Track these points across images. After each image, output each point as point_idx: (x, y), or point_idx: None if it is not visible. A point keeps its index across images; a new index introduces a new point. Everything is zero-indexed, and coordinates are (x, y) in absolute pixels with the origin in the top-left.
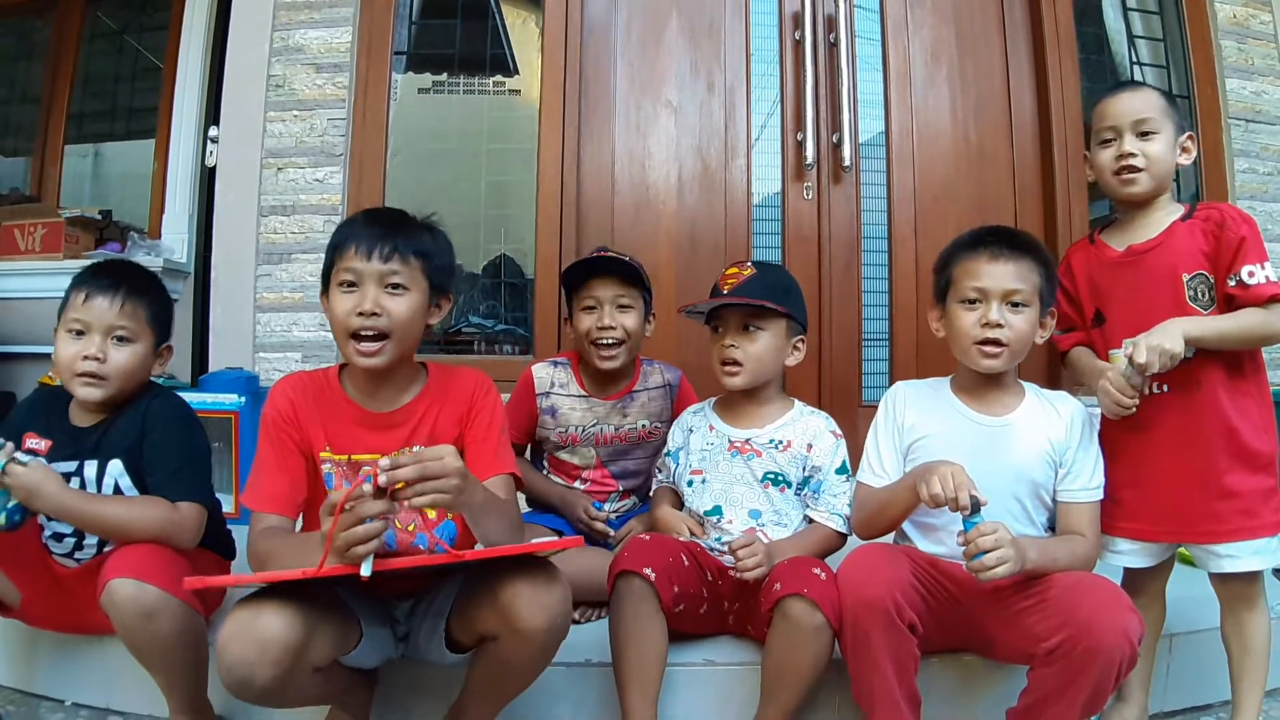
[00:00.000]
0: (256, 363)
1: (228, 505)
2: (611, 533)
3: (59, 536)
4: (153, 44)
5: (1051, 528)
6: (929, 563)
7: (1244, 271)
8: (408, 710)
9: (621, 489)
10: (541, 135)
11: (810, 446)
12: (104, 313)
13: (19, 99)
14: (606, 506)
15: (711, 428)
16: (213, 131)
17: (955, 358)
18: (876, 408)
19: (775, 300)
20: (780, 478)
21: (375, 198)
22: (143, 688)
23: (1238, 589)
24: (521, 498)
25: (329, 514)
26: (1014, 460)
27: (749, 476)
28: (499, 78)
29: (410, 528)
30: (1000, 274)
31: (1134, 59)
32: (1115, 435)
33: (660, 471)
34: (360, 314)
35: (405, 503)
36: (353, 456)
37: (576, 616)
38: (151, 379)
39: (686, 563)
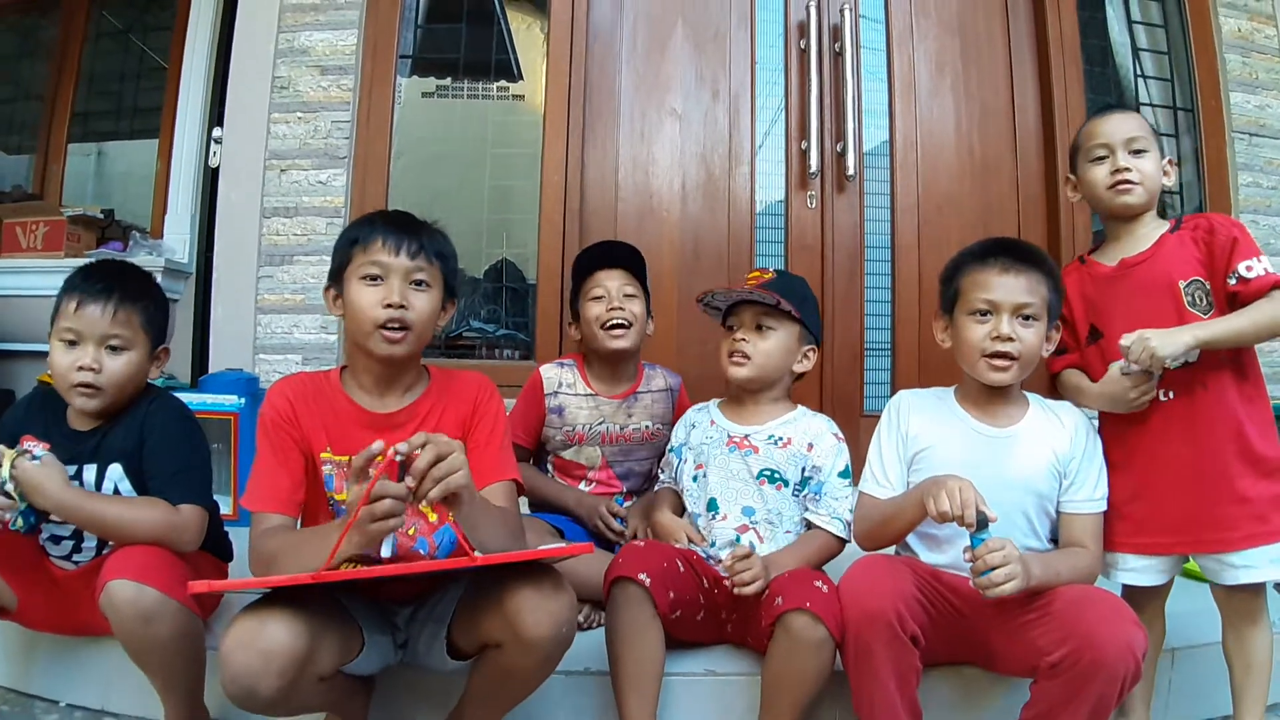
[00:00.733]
0: (257, 364)
1: (226, 507)
2: (627, 535)
3: (57, 539)
4: (157, 43)
5: (1054, 540)
6: (931, 574)
7: (1242, 267)
8: (406, 717)
9: (626, 489)
10: (545, 141)
11: (811, 446)
12: (96, 322)
13: (23, 96)
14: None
15: (713, 422)
16: (216, 132)
17: (959, 369)
18: (878, 418)
19: (791, 305)
20: (776, 475)
21: (379, 200)
22: (138, 690)
23: (1242, 603)
24: (522, 502)
25: (356, 481)
26: (1019, 471)
27: (744, 473)
28: (503, 83)
29: (411, 531)
30: (1012, 287)
31: (1139, 72)
32: (1119, 448)
33: (664, 470)
34: (388, 305)
35: (417, 498)
36: (354, 458)
37: (581, 619)
38: (150, 382)
39: (682, 569)
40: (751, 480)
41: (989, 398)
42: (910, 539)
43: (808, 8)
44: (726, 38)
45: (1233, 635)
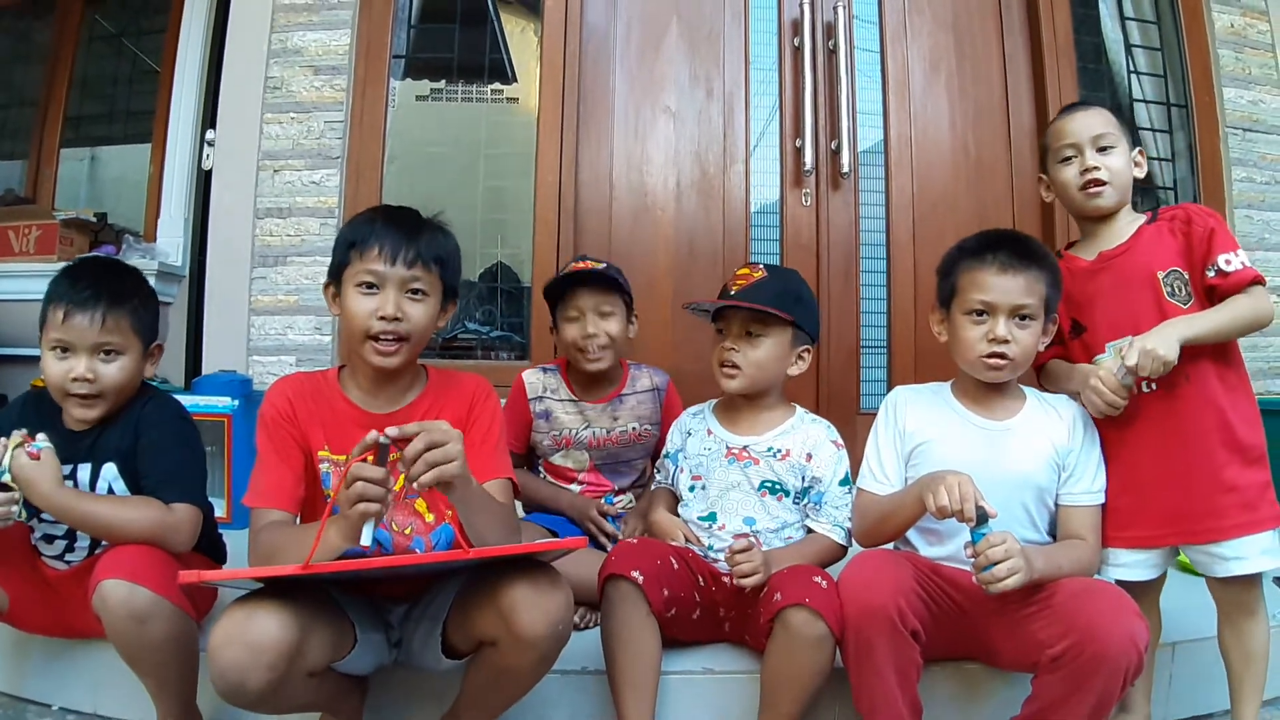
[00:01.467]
0: (250, 366)
1: (219, 509)
2: (620, 537)
3: (49, 539)
4: (150, 47)
5: (1052, 533)
6: (931, 569)
7: (1221, 260)
8: (400, 717)
9: (616, 488)
10: (540, 141)
11: (810, 456)
12: (86, 332)
13: (16, 101)
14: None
15: (710, 432)
16: (209, 135)
17: (954, 365)
18: (874, 416)
19: (784, 307)
20: (778, 486)
21: (372, 201)
22: (130, 692)
23: (1237, 596)
24: (517, 505)
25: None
26: (1018, 465)
27: (746, 484)
28: (497, 85)
29: (408, 530)
30: (1009, 288)
31: (1132, 68)
32: (1105, 442)
33: (659, 472)
34: (382, 318)
35: (409, 481)
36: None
37: (577, 620)
38: (145, 381)
39: (676, 566)
40: (753, 492)
41: (986, 392)
42: (910, 533)
43: (801, 6)
44: (720, 36)
45: (1229, 628)
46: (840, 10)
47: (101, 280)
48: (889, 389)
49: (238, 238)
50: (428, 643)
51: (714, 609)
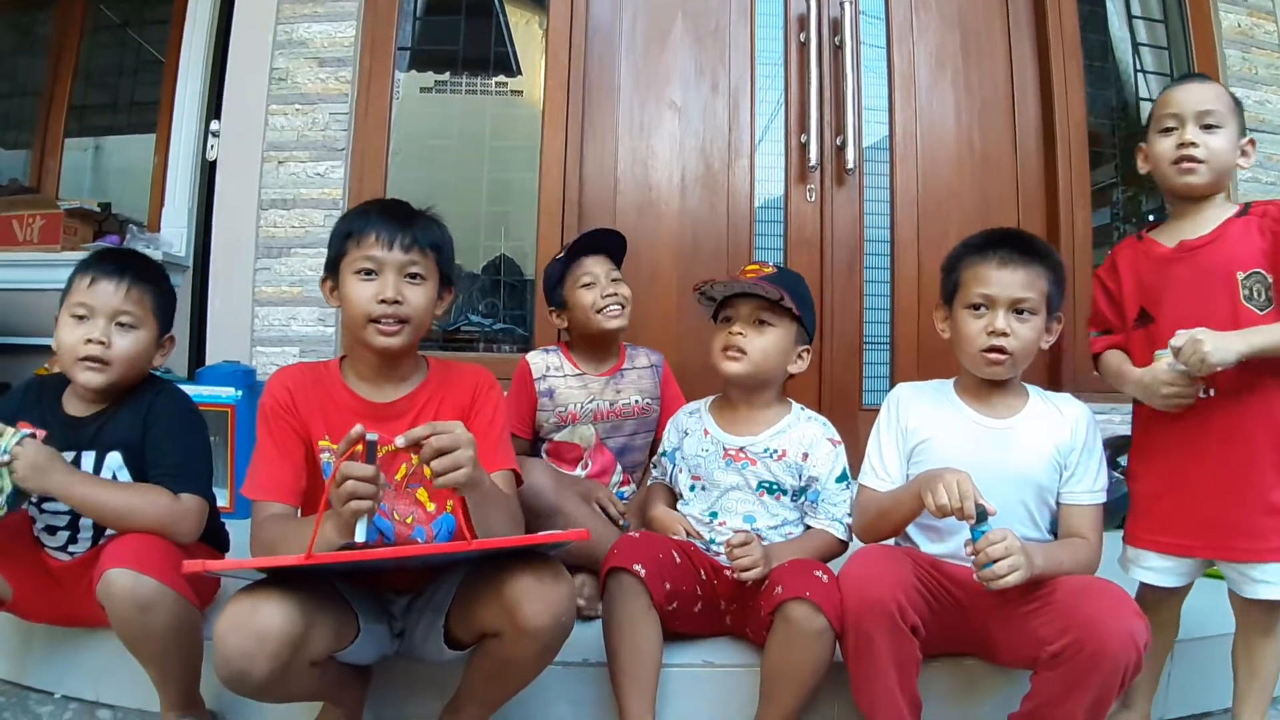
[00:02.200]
0: (254, 356)
1: (222, 499)
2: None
3: (52, 529)
4: (155, 37)
5: (1053, 531)
6: (931, 565)
7: None
8: (402, 708)
9: (622, 468)
10: (544, 134)
11: (806, 455)
12: (109, 297)
13: (20, 91)
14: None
15: (706, 432)
16: (214, 126)
17: (957, 362)
18: (876, 412)
19: (794, 303)
20: (775, 486)
21: (376, 193)
22: (133, 681)
23: (1258, 616)
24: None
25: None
26: (1019, 463)
27: (744, 485)
28: (501, 78)
29: (409, 520)
30: (1008, 281)
31: (1138, 67)
32: (1152, 444)
33: (656, 468)
34: (383, 301)
35: (407, 480)
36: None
37: (582, 602)
38: (152, 371)
39: (678, 560)
40: (751, 492)
41: (988, 390)
42: (910, 529)
43: (807, 1)
44: (726, 31)
45: (1243, 643)
46: (846, 6)
47: (130, 260)
48: (891, 385)
49: (242, 229)
50: (430, 634)
51: (715, 602)
